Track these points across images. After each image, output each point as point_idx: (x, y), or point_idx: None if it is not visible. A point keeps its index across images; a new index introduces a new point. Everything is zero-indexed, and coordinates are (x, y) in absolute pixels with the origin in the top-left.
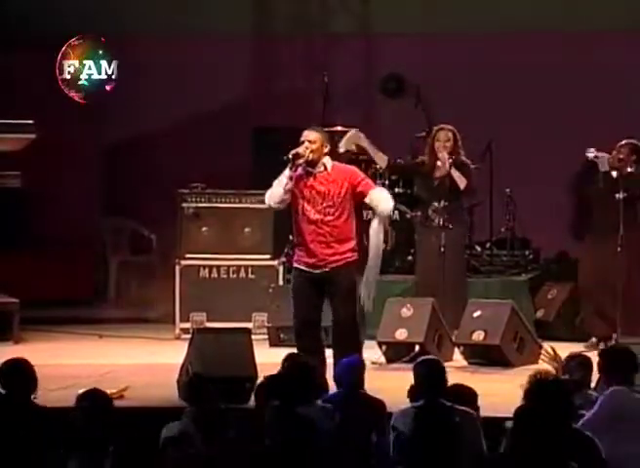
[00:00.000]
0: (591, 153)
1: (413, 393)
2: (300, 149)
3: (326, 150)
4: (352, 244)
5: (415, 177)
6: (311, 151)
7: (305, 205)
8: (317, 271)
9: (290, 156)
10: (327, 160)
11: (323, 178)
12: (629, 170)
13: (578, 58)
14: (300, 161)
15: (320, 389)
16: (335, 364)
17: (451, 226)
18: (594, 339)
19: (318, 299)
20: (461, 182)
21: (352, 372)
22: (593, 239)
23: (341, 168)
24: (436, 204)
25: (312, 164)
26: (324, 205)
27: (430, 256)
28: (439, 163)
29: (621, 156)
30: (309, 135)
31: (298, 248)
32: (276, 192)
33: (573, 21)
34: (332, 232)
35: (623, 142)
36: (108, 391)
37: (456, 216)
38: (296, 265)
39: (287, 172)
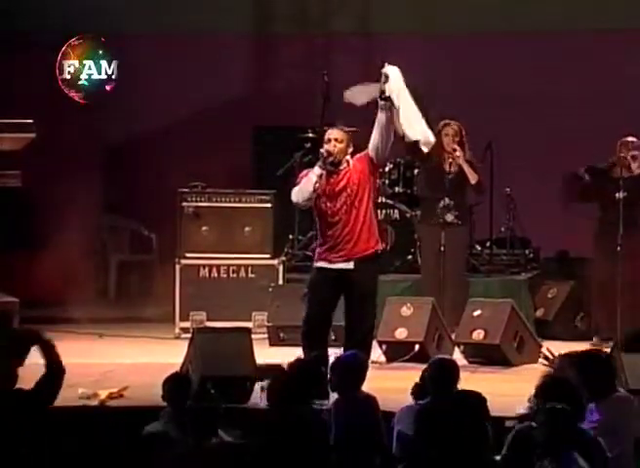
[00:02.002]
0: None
1: (416, 391)
2: (330, 147)
3: (350, 150)
4: (376, 236)
5: (420, 173)
6: (339, 150)
7: (329, 203)
8: (340, 266)
9: (323, 153)
10: (349, 158)
11: (343, 174)
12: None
13: (578, 57)
14: (330, 159)
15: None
16: None
17: (460, 222)
18: (597, 338)
19: (334, 299)
20: (473, 177)
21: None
22: (605, 238)
23: (358, 156)
24: (447, 200)
25: (336, 163)
26: (347, 199)
27: (434, 255)
28: (457, 154)
29: (623, 155)
30: (336, 133)
31: (322, 246)
32: (305, 190)
33: (574, 21)
34: (356, 226)
35: (628, 139)
36: (108, 391)
37: (462, 214)
38: (317, 264)
39: (317, 170)
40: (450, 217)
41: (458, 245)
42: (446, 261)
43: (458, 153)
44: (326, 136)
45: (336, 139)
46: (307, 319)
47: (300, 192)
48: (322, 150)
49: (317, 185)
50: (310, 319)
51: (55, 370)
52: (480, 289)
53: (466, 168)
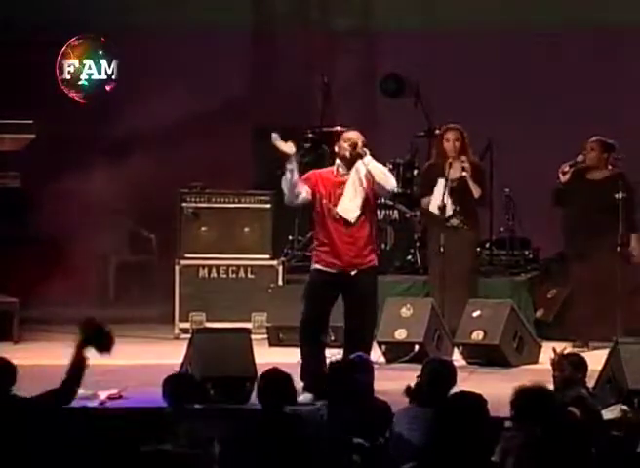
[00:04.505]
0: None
1: (409, 393)
2: (355, 136)
3: (362, 153)
4: (374, 247)
5: (420, 176)
6: (357, 148)
7: (332, 205)
8: (339, 272)
9: (348, 148)
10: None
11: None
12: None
13: (578, 57)
14: (348, 153)
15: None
16: None
17: (467, 227)
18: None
19: (332, 300)
20: (477, 191)
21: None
22: (583, 242)
23: None
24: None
25: (348, 164)
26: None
27: (438, 257)
28: (464, 174)
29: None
30: (354, 134)
31: (320, 248)
32: (286, 188)
33: (574, 20)
34: (358, 233)
35: (593, 139)
36: (108, 391)
37: (469, 218)
38: (316, 266)
39: (288, 165)
40: (455, 222)
41: (462, 248)
42: (447, 263)
43: (465, 171)
44: (343, 137)
45: (353, 139)
46: (304, 320)
47: (287, 194)
48: (350, 144)
49: (295, 178)
50: (307, 320)
51: (83, 365)
52: (480, 289)
53: (471, 183)
